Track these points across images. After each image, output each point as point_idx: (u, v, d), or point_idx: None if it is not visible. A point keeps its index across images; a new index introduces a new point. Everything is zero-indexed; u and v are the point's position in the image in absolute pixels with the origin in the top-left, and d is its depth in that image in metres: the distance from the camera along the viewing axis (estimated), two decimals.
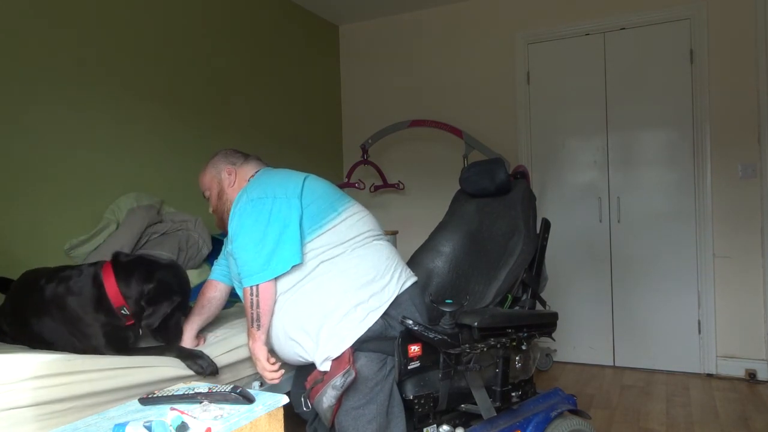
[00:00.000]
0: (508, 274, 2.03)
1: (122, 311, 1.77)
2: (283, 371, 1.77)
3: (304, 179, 1.83)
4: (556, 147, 4.01)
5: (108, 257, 1.89)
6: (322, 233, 1.76)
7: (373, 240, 1.84)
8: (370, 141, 4.06)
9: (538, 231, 2.21)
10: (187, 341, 1.87)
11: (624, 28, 3.79)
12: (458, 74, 4.28)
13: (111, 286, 1.76)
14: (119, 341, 1.77)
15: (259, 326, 1.72)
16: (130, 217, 2.62)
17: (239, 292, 1.85)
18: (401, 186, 4.35)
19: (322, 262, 1.74)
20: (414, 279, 1.87)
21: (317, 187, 1.83)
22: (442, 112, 4.24)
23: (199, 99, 3.28)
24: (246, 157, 2.01)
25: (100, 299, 1.75)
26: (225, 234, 1.91)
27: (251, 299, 1.70)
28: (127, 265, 1.80)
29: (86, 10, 2.63)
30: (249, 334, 1.76)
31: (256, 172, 1.94)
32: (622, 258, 3.83)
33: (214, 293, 2.00)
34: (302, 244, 1.72)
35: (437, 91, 4.35)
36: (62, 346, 1.74)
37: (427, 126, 3.98)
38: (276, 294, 1.73)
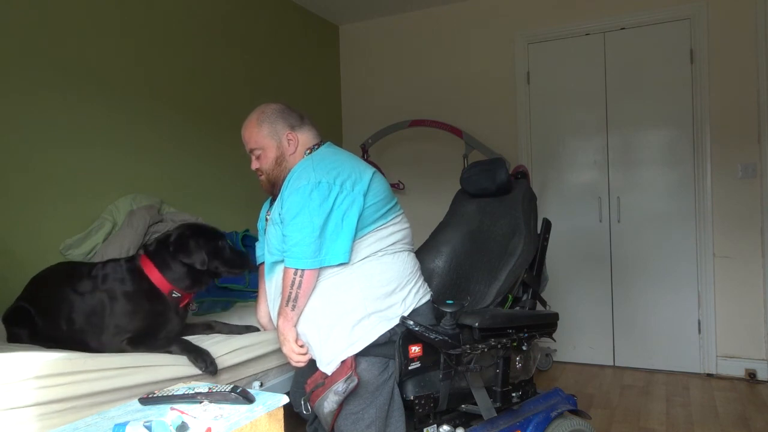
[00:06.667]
0: (508, 274, 2.02)
1: (173, 294, 1.85)
2: (309, 355, 1.73)
3: (372, 176, 1.78)
4: (556, 147, 4.01)
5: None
6: (365, 236, 1.73)
7: (403, 250, 1.82)
8: (370, 141, 4.06)
9: (538, 231, 2.20)
10: (263, 320, 1.97)
11: (624, 28, 3.79)
12: (458, 74, 4.27)
13: (155, 275, 1.84)
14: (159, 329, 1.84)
15: (294, 306, 1.68)
16: (130, 218, 2.61)
17: (268, 263, 1.82)
18: (401, 186, 4.35)
19: (352, 262, 1.72)
20: (429, 296, 1.86)
21: (381, 189, 1.79)
22: (442, 112, 4.23)
23: (199, 99, 3.28)
24: (301, 118, 1.92)
25: (150, 290, 1.83)
26: (275, 196, 1.86)
27: (294, 278, 1.66)
28: (156, 251, 1.88)
29: (86, 10, 2.63)
30: (281, 313, 1.71)
31: (315, 145, 1.89)
32: (622, 258, 3.83)
33: None
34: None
35: (437, 91, 4.34)
36: (96, 345, 1.76)
37: (427, 126, 3.98)
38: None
